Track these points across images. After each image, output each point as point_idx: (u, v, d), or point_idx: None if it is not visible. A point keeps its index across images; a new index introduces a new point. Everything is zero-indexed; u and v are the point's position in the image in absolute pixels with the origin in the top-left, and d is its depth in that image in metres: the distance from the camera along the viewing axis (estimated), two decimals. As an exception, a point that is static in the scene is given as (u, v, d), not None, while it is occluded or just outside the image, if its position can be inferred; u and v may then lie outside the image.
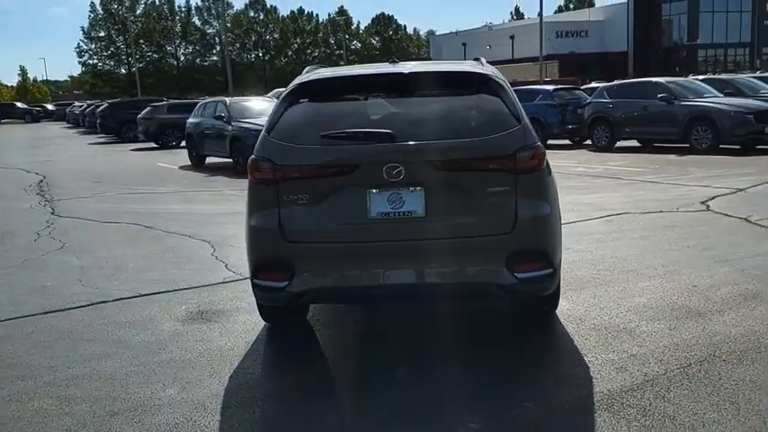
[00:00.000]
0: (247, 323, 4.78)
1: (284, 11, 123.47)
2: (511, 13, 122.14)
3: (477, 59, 4.58)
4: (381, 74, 4.31)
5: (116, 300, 5.47)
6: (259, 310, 4.56)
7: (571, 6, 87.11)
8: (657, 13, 57.53)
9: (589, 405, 3.35)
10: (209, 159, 16.60)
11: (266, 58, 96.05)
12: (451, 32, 77.36)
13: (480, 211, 3.73)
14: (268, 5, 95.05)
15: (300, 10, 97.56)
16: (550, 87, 20.76)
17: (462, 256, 3.73)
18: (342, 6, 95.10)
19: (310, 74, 4.36)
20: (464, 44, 67.27)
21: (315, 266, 3.85)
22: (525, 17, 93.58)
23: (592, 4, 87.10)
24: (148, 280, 6.01)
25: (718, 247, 6.32)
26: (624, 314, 4.60)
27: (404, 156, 3.70)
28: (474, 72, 4.13)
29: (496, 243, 3.71)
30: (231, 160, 15.04)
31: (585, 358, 3.90)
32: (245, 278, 5.79)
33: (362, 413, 3.45)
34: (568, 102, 18.55)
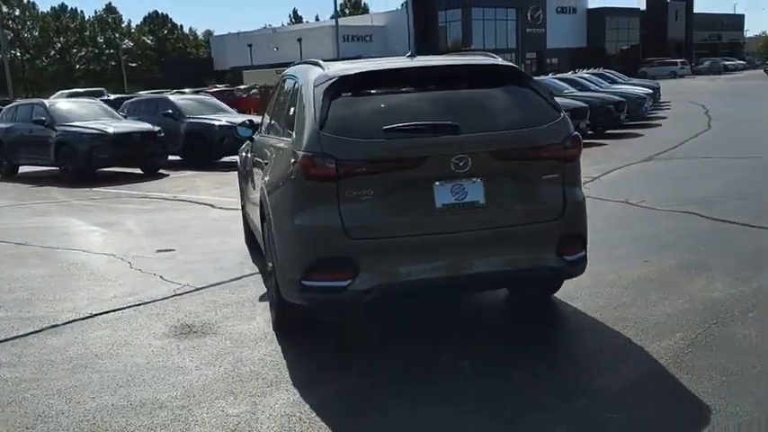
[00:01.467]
0: (255, 330, 4.57)
1: (44, 7, 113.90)
2: (289, 15, 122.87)
3: (487, 54, 4.76)
4: (423, 67, 4.41)
5: (70, 322, 4.92)
6: (278, 322, 4.42)
7: (347, 12, 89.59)
8: (434, 20, 61.28)
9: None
10: (22, 168, 15.08)
11: (25, 57, 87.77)
12: (233, 33, 76.35)
13: (535, 199, 3.95)
14: (25, 1, 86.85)
15: (63, 6, 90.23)
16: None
17: (521, 243, 3.92)
18: (110, 3, 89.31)
19: (339, 67, 4.28)
20: (250, 45, 66.75)
21: (381, 262, 3.81)
22: (304, 20, 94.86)
23: (366, 10, 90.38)
24: (88, 298, 5.46)
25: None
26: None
27: (470, 147, 3.80)
28: (505, 65, 4.39)
29: (549, 229, 3.95)
30: (57, 168, 13.82)
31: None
32: (201, 288, 5.54)
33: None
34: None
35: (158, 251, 7.05)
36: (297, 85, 4.49)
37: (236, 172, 7.23)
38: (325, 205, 3.78)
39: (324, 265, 3.82)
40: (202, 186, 12.10)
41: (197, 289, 5.57)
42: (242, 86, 41.24)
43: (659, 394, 3.50)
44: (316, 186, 3.81)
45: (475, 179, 3.84)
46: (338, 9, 59.10)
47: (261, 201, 4.61)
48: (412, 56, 4.62)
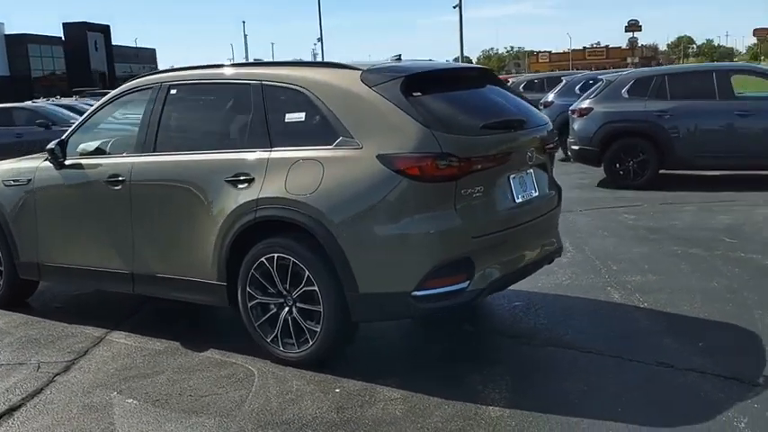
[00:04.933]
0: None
1: None
2: None
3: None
4: (470, 68, 4.87)
5: None
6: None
7: None
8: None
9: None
10: None
11: None
12: None
13: (552, 186, 4.77)
14: None
15: None
16: None
17: (554, 225, 4.71)
18: None
19: (400, 65, 4.41)
20: None
21: (490, 258, 4.06)
22: None
23: None
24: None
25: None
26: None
27: (533, 141, 4.45)
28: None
29: (557, 213, 4.85)
30: None
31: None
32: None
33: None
34: None
35: None
36: (293, 88, 4.30)
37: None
38: (444, 207, 3.86)
39: (444, 269, 3.88)
40: None
41: None
42: None
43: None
44: (435, 188, 3.86)
45: (529, 171, 4.43)
46: None
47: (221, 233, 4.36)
48: (398, 58, 4.87)
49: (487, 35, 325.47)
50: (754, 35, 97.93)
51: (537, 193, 4.52)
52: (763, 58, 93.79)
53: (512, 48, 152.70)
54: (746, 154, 9.77)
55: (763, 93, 10.24)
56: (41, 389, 4.22)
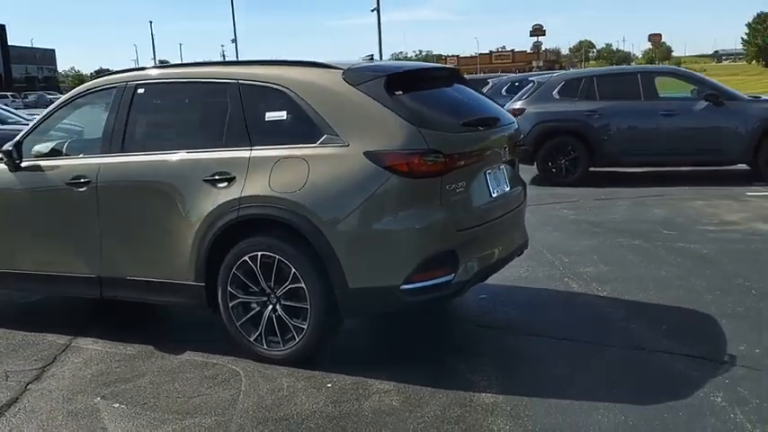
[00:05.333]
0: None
1: None
2: None
3: None
4: (442, 68, 5.02)
5: None
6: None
7: None
8: None
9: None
10: None
11: None
12: None
13: (520, 182, 4.92)
14: None
15: None
16: None
17: (522, 219, 4.87)
18: None
19: (379, 65, 4.45)
20: None
21: (472, 251, 4.17)
22: None
23: None
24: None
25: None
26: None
27: (506, 139, 4.60)
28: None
29: (524, 208, 5.02)
30: None
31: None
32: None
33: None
34: None
35: None
36: (275, 87, 4.28)
37: None
38: (430, 202, 3.98)
39: (431, 263, 3.97)
40: None
41: None
42: None
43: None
44: (422, 184, 3.95)
45: (501, 167, 4.59)
46: None
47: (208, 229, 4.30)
48: (371, 58, 4.92)
49: (395, 39, 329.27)
50: (649, 40, 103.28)
51: (508, 189, 4.69)
52: (657, 62, 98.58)
53: (420, 51, 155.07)
54: (671, 151, 10.34)
55: (684, 94, 10.82)
56: (16, 398, 4.06)
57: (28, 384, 4.25)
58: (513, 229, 4.80)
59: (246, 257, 4.26)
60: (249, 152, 4.27)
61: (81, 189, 4.77)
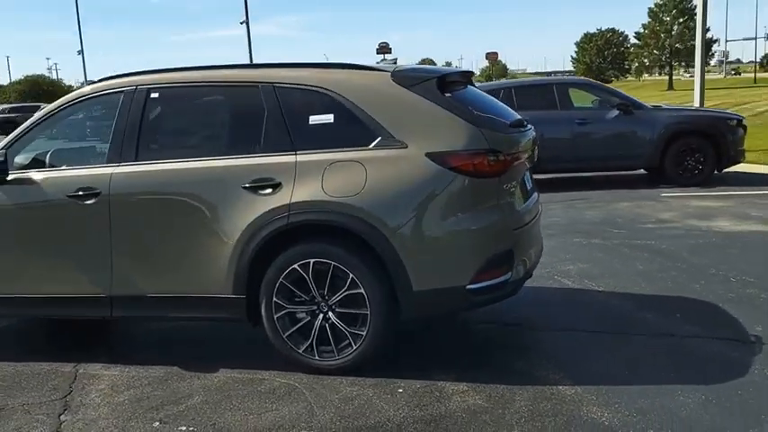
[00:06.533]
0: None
1: None
2: None
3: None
4: (470, 71, 4.93)
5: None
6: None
7: None
8: None
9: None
10: None
11: None
12: None
13: (536, 186, 5.03)
14: None
15: None
16: None
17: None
18: None
19: (421, 67, 4.42)
20: None
21: (522, 252, 4.21)
22: None
23: None
24: None
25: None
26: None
27: (532, 140, 4.65)
28: None
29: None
30: None
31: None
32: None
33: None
34: None
35: None
36: (311, 89, 4.21)
37: None
38: (491, 201, 4.02)
39: (493, 262, 4.00)
40: None
41: None
42: None
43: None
44: (484, 184, 3.99)
45: (527, 168, 4.64)
46: None
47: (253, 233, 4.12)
48: (386, 60, 4.89)
49: (240, 53, 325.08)
50: (486, 59, 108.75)
51: (535, 192, 4.82)
52: (494, 78, 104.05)
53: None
54: (587, 157, 10.97)
55: (593, 105, 11.53)
56: (57, 430, 3.67)
57: (60, 416, 3.85)
58: (539, 233, 4.92)
59: (297, 265, 4.10)
60: (294, 157, 4.12)
61: (89, 202, 4.39)
